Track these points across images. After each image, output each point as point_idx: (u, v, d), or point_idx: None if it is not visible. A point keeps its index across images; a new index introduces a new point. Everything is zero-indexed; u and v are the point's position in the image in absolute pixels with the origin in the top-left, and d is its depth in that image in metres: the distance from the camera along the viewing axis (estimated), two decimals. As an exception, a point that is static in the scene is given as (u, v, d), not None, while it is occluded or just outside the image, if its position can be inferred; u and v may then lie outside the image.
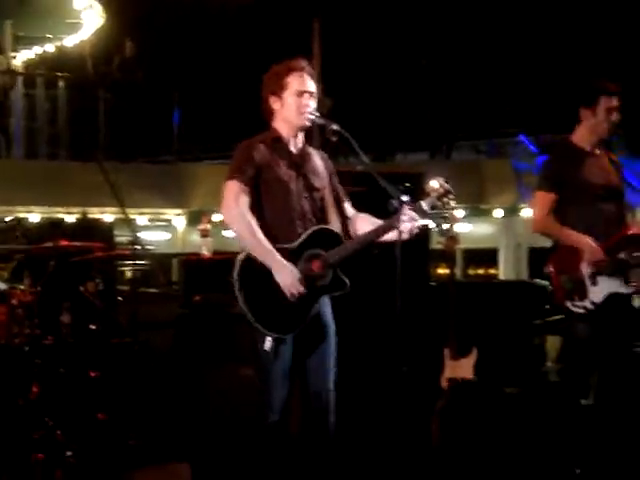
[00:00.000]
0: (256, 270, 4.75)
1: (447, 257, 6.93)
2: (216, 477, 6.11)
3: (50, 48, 16.30)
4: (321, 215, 5.02)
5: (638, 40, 14.45)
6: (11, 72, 14.42)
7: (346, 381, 5.23)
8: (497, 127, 15.67)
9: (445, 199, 4.94)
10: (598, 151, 5.96)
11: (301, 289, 4.74)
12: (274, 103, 4.98)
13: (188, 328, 7.43)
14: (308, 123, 4.95)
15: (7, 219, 13.22)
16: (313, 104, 4.96)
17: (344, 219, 5.09)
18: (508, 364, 7.52)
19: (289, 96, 4.93)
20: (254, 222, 4.78)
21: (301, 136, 5.05)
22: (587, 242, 5.70)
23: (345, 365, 5.21)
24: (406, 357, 4.88)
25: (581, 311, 5.69)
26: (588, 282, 5.69)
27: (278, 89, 4.95)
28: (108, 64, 14.92)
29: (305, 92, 4.93)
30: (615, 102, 5.86)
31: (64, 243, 6.82)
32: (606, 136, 5.96)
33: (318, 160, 5.11)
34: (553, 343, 8.31)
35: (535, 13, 16.11)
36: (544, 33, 15.96)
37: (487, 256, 15.26)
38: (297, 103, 4.92)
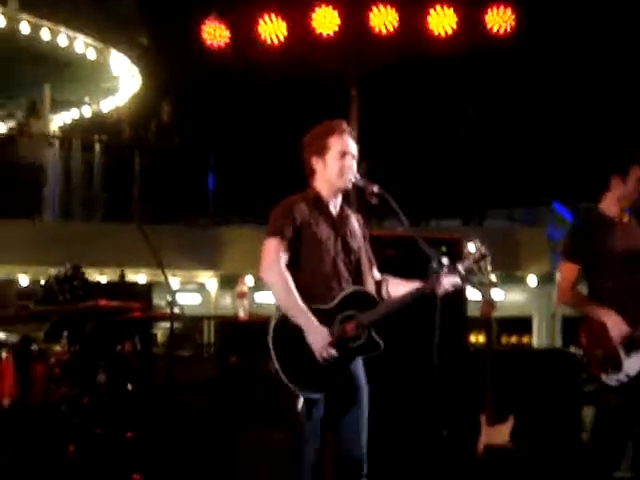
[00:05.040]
0: (290, 330, 4.74)
1: (484, 323, 6.91)
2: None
3: (87, 112, 16.51)
4: (356, 276, 5.01)
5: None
6: (48, 135, 14.56)
7: (382, 443, 5.20)
8: (532, 195, 15.65)
9: (482, 262, 4.92)
10: (626, 218, 5.86)
11: (332, 352, 4.71)
12: (316, 164, 4.98)
13: (224, 389, 7.41)
14: (349, 185, 4.95)
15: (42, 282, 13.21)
16: (354, 166, 4.96)
17: (375, 282, 5.08)
18: (544, 432, 7.45)
19: (331, 158, 4.93)
20: (291, 282, 4.77)
21: (340, 197, 5.04)
22: (610, 316, 5.56)
23: (382, 427, 5.17)
24: (445, 421, 4.84)
25: (615, 384, 5.55)
26: (622, 355, 5.54)
27: (320, 150, 4.95)
28: (145, 128, 15.04)
29: (347, 154, 4.93)
30: None
31: (103, 303, 6.85)
32: (634, 204, 5.87)
33: (355, 222, 5.12)
34: (588, 413, 8.24)
35: (570, 82, 16.18)
36: (581, 102, 16.01)
37: (520, 324, 15.15)
38: (339, 165, 4.92)
